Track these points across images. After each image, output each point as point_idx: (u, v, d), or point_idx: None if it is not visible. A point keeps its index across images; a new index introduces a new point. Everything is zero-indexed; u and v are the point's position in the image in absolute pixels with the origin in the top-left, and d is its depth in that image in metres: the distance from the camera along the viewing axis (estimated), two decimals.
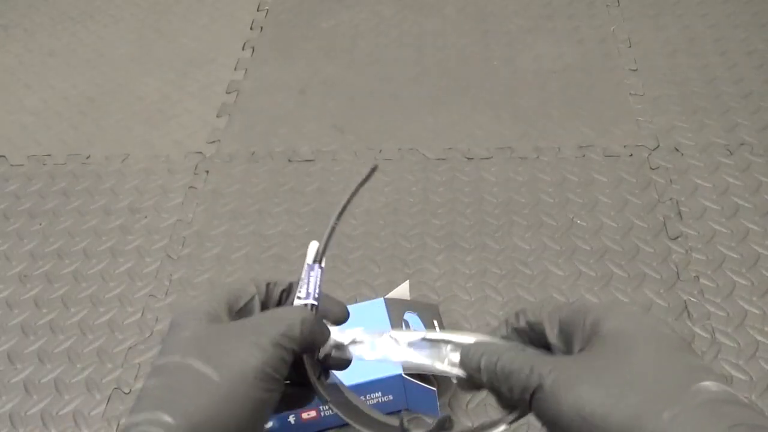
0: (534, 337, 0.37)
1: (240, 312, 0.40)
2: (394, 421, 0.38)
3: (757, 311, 0.82)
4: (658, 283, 0.86)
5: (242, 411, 0.34)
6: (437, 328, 0.78)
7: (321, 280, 0.40)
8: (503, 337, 0.38)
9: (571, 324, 0.35)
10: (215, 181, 1.06)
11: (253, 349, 0.36)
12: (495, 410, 0.75)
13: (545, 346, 0.37)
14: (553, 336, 0.36)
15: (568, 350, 0.35)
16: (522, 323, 0.37)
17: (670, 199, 0.96)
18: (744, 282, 0.85)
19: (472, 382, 0.37)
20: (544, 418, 0.33)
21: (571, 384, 0.32)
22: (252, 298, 0.41)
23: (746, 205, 0.94)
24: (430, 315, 0.79)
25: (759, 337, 0.79)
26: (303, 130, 1.13)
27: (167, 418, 0.33)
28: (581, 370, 0.32)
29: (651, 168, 1.00)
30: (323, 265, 0.40)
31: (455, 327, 0.83)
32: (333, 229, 0.41)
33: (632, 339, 0.33)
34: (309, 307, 0.39)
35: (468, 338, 0.38)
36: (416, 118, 1.13)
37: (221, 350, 0.36)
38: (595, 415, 0.30)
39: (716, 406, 0.29)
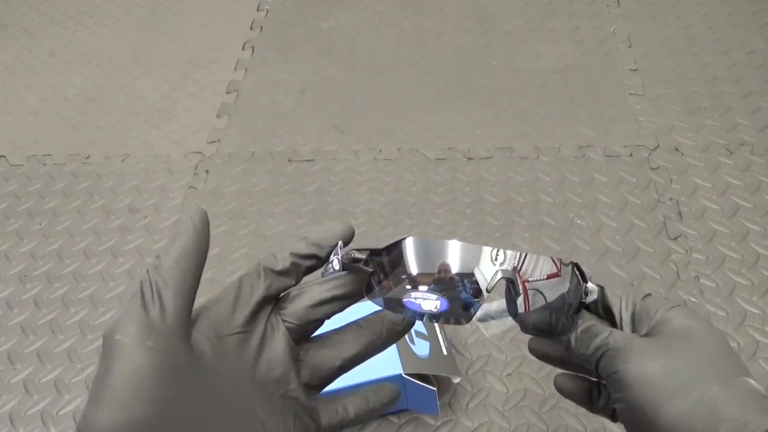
0: (605, 316, 0.44)
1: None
2: None
3: (757, 311, 0.82)
4: (658, 283, 0.86)
5: None
6: (437, 329, 0.78)
7: None
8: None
9: (645, 309, 0.41)
10: (215, 181, 1.06)
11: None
12: (495, 410, 0.75)
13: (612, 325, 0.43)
14: (626, 315, 0.42)
15: (635, 331, 0.41)
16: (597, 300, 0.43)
17: (670, 199, 0.96)
18: (744, 282, 0.85)
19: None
20: (608, 374, 0.39)
21: (642, 350, 0.38)
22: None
23: (746, 205, 0.94)
24: None
25: (759, 337, 0.79)
26: (303, 130, 1.13)
27: None
28: (650, 344, 0.39)
29: (651, 168, 1.00)
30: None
31: (455, 327, 0.83)
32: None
33: (694, 332, 0.39)
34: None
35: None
36: (416, 118, 1.13)
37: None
38: (656, 376, 0.37)
39: (759, 395, 0.36)
